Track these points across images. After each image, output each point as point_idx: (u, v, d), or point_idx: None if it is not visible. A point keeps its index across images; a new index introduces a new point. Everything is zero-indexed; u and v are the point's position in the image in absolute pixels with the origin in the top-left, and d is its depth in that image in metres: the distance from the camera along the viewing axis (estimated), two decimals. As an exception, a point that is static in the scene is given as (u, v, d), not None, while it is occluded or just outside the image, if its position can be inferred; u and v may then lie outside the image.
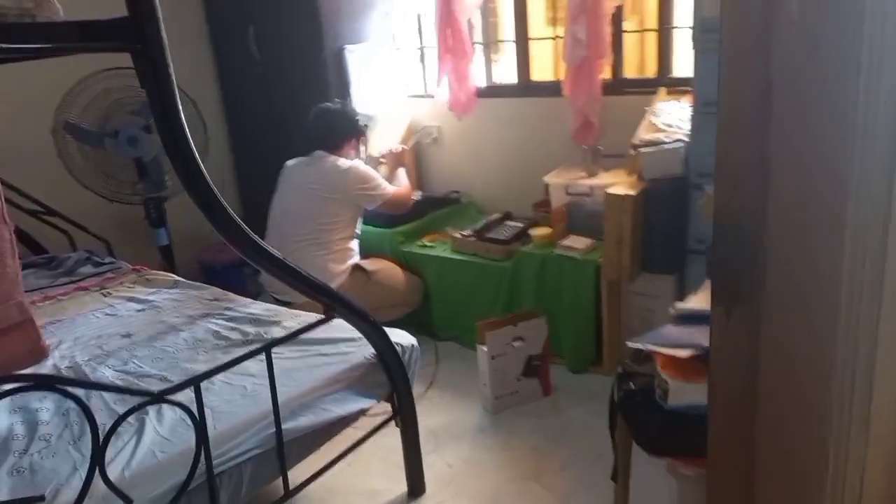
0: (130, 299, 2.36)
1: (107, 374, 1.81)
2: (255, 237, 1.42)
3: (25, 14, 1.18)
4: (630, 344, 1.63)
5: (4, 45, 1.12)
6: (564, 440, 2.18)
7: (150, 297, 2.35)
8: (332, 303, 1.61)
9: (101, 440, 1.17)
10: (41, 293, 2.45)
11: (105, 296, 2.41)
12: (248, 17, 3.37)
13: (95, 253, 2.81)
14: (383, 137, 3.30)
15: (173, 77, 1.24)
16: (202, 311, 2.21)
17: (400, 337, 1.90)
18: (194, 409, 1.50)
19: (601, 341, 2.54)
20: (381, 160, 3.10)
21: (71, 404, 1.59)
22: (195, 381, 1.35)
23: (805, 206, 0.63)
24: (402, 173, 3.04)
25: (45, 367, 1.86)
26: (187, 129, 1.28)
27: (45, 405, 1.64)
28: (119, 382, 1.77)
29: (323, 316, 1.66)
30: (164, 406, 1.54)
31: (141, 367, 1.84)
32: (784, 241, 0.65)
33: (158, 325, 2.12)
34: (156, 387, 1.72)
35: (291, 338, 1.62)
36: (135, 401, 1.32)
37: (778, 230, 0.65)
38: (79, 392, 1.72)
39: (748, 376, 0.71)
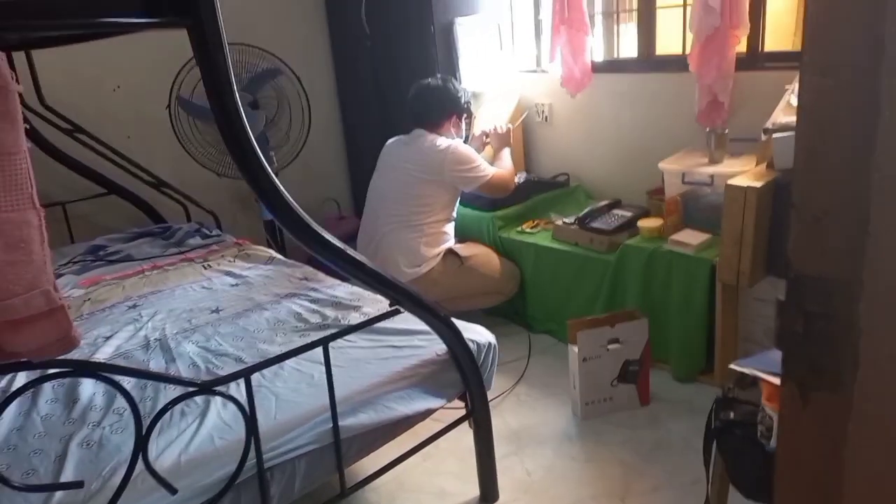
0: (227, 273, 2.41)
1: (189, 350, 1.84)
2: (314, 224, 1.34)
3: (84, -10, 1.15)
4: (734, 366, 1.41)
5: (58, 22, 1.10)
6: (659, 457, 1.97)
7: (245, 273, 2.39)
8: (397, 296, 1.51)
9: (144, 430, 1.15)
10: (151, 262, 2.58)
11: (205, 268, 2.48)
12: (361, -11, 3.33)
13: (205, 225, 2.92)
14: (490, 115, 3.15)
15: (227, 56, 1.18)
16: (289, 289, 2.20)
17: (477, 333, 1.77)
18: (261, 395, 1.51)
19: (713, 348, 2.27)
20: (486, 139, 2.95)
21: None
22: (245, 374, 1.30)
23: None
24: (506, 154, 2.87)
25: (138, 338, 1.95)
26: (242, 111, 1.22)
27: (126, 378, 1.69)
28: (198, 359, 1.79)
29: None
30: (232, 387, 1.54)
31: (221, 344, 1.86)
32: (889, 309, 0.45)
33: (247, 301, 2.14)
34: (230, 367, 1.72)
35: (346, 333, 1.54)
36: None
37: (882, 292, 0.45)
38: (161, 363, 1.80)
39: (827, 494, 0.51)
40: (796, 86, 2.25)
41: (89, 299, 2.26)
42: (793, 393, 0.53)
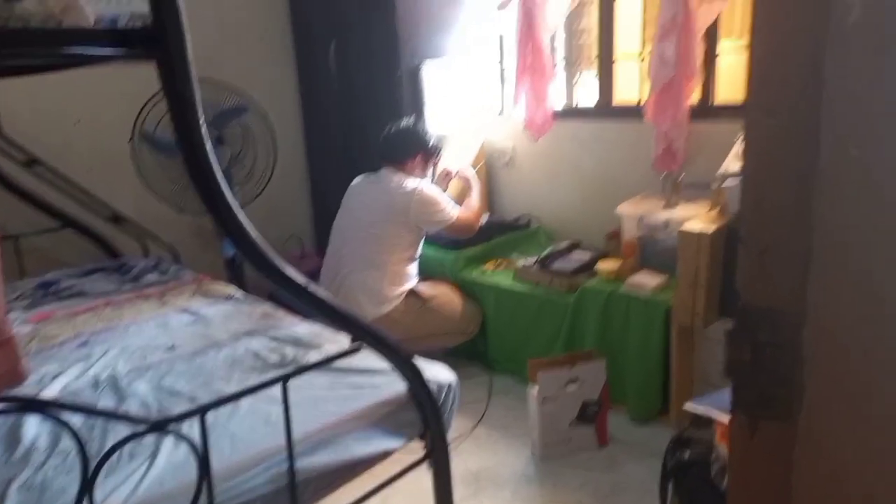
0: (184, 310, 2.36)
1: (141, 389, 1.79)
2: (278, 260, 1.33)
3: (51, 20, 1.15)
4: (689, 406, 1.43)
5: (26, 50, 1.10)
6: (616, 500, 1.97)
7: (203, 310, 2.35)
8: (360, 334, 1.50)
9: (90, 472, 1.10)
10: (105, 298, 2.51)
11: (162, 305, 2.43)
12: (330, 32, 3.39)
13: (163, 261, 2.86)
14: (454, 156, 3.20)
15: (196, 89, 1.19)
16: (249, 327, 2.17)
17: (437, 373, 1.76)
18: (215, 434, 1.47)
19: (669, 390, 2.30)
20: (451, 177, 2.99)
21: (98, 418, 1.58)
22: (200, 412, 1.27)
23: (866, 286, 0.45)
24: (475, 195, 2.91)
25: (87, 376, 1.88)
26: (209, 146, 1.22)
27: (74, 418, 1.63)
28: (150, 398, 1.74)
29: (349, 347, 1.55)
30: (185, 427, 1.49)
31: (175, 383, 1.81)
32: (835, 336, 0.47)
33: (203, 339, 2.10)
34: (184, 406, 1.67)
35: (306, 370, 1.51)
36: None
37: (825, 321, 0.47)
38: (111, 403, 1.74)
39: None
40: (746, 136, 2.35)
41: (37, 335, 2.18)
42: (742, 422, 0.54)
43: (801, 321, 0.49)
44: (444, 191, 2.94)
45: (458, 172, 2.97)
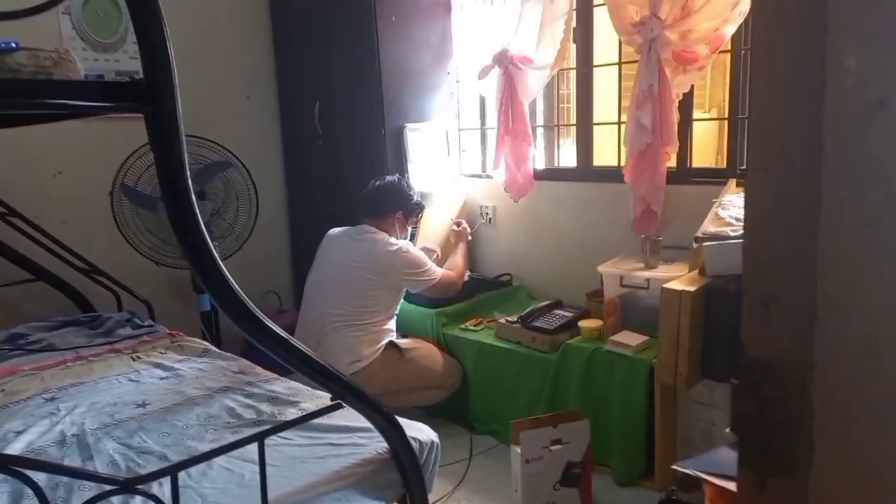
0: (157, 366, 2.30)
1: (109, 447, 1.72)
2: (259, 314, 1.31)
3: (41, 72, 1.15)
4: (677, 467, 1.41)
5: (17, 101, 1.09)
6: (603, 567, 1.91)
7: (177, 365, 2.29)
8: (340, 390, 1.46)
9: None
10: (74, 352, 2.43)
11: (134, 360, 2.36)
12: (315, 93, 3.44)
13: (137, 315, 2.80)
14: (436, 216, 3.22)
15: (183, 144, 1.19)
16: (224, 383, 2.11)
17: (418, 431, 1.72)
18: (186, 496, 1.41)
19: (653, 451, 2.27)
20: (436, 255, 3.03)
21: (62, 477, 1.51)
22: (171, 471, 1.21)
23: (873, 344, 0.46)
24: (460, 254, 2.92)
25: (53, 433, 1.81)
26: (194, 199, 1.21)
27: (38, 476, 1.55)
28: (119, 457, 1.67)
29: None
30: (154, 487, 1.43)
31: (145, 441, 1.74)
32: (843, 393, 0.47)
33: (176, 395, 2.03)
34: (154, 466, 1.61)
35: (283, 428, 1.48)
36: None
37: (834, 377, 0.47)
38: (77, 461, 1.67)
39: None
40: (723, 198, 2.41)
41: (3, 390, 2.10)
42: (749, 479, 0.53)
43: (808, 375, 0.48)
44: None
45: (456, 224, 3.01)
